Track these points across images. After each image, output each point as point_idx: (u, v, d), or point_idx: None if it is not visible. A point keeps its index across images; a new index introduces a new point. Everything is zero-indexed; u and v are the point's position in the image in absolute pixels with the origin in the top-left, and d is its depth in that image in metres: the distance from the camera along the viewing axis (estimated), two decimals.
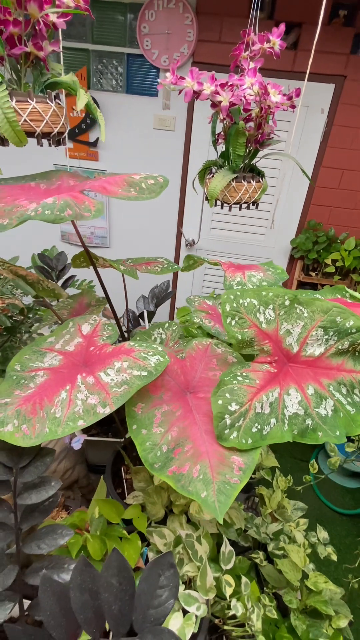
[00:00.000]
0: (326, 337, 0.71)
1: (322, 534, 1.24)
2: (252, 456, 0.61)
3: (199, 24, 2.08)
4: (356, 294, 0.82)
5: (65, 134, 0.94)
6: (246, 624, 0.83)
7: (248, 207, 1.21)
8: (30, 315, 1.31)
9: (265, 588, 1.05)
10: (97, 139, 2.39)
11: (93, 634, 0.54)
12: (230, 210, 1.21)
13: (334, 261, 2.41)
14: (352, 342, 0.70)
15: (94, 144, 2.41)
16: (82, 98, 0.83)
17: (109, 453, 1.24)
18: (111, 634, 0.53)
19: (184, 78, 1.01)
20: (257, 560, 1.04)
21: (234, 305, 0.68)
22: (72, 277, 1.13)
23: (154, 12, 2.07)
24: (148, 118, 2.35)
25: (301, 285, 2.55)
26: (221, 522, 0.54)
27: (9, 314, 1.32)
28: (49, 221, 0.62)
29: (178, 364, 0.72)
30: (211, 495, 0.56)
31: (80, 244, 2.73)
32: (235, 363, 0.75)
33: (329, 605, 1.00)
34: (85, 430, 1.36)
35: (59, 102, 0.91)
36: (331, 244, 2.43)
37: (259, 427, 0.63)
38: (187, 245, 2.60)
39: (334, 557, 1.17)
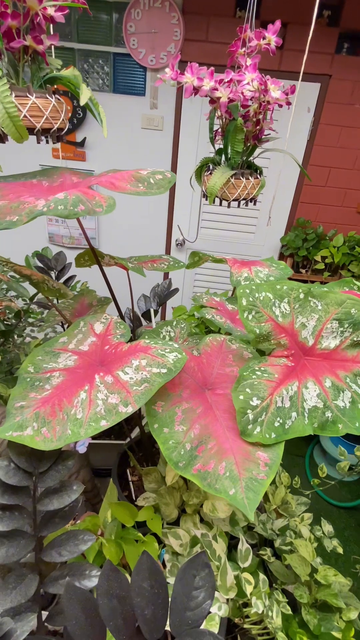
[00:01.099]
0: (341, 329, 0.71)
1: (327, 527, 1.25)
2: (276, 451, 0.61)
3: (186, 23, 2.08)
4: None
5: (65, 130, 0.92)
6: (265, 621, 0.82)
7: (246, 204, 1.21)
8: (22, 319, 1.28)
9: (274, 584, 1.05)
10: (85, 139, 2.36)
11: None
12: (229, 207, 1.21)
13: (323, 258, 2.44)
14: None
15: (81, 144, 2.38)
16: (85, 92, 0.81)
17: (112, 456, 1.22)
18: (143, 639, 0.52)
19: (183, 74, 1.01)
20: (265, 557, 1.04)
21: (250, 299, 0.68)
22: (73, 277, 1.11)
23: (140, 11, 2.05)
24: (135, 117, 2.33)
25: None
26: (252, 520, 0.53)
27: (3, 318, 1.29)
28: (62, 216, 0.60)
29: (194, 360, 0.71)
30: (239, 492, 0.55)
31: (67, 245, 2.70)
32: (251, 358, 0.75)
33: (339, 597, 1.01)
34: None
35: (58, 97, 0.89)
36: (320, 241, 2.46)
37: (281, 421, 0.63)
38: (177, 245, 2.59)
39: (340, 550, 1.18)
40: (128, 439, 1.21)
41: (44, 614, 0.67)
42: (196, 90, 1.03)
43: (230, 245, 2.59)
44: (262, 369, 0.67)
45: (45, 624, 0.66)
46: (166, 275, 2.71)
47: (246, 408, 0.62)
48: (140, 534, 0.81)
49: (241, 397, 0.63)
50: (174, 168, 2.44)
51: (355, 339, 0.71)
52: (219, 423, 0.63)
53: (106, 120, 0.89)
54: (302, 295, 0.72)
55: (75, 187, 0.72)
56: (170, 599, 0.49)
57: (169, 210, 2.54)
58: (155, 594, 0.51)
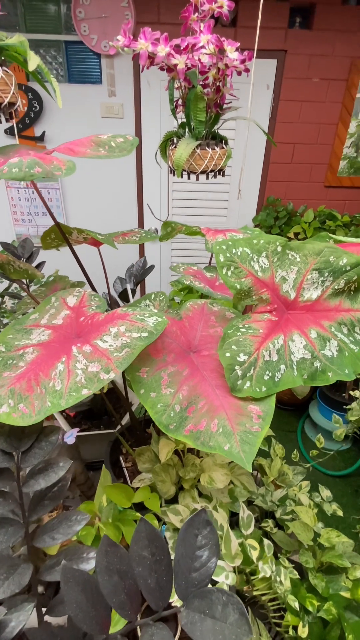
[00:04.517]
0: (322, 279, 0.70)
1: (325, 492, 1.26)
2: (268, 404, 0.59)
3: (136, 6, 2.04)
4: (340, 237, 0.81)
5: (18, 105, 0.87)
6: (274, 585, 0.80)
7: (215, 176, 1.18)
8: None
9: (279, 555, 1.04)
10: (44, 132, 2.29)
11: (129, 616, 0.49)
12: (197, 179, 1.18)
13: (296, 234, 2.46)
14: (348, 280, 0.69)
15: (41, 138, 2.31)
16: (34, 58, 0.77)
17: (103, 447, 1.18)
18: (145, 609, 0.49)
19: (136, 40, 0.97)
20: (267, 529, 1.03)
21: (227, 255, 0.66)
22: (42, 263, 1.06)
23: None
24: (94, 107, 2.27)
25: None
26: (250, 470, 0.51)
27: None
28: (18, 179, 0.56)
29: (176, 325, 0.68)
30: (235, 446, 0.53)
31: (36, 245, 2.61)
32: (235, 317, 0.73)
33: (344, 558, 1.01)
34: (76, 426, 1.29)
35: (6, 69, 0.84)
36: (291, 217, 2.48)
37: (270, 374, 0.61)
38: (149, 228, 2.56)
39: (340, 513, 1.19)
40: (119, 426, 1.17)
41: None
42: (152, 58, 1.00)
43: None
44: (247, 325, 0.65)
45: (46, 619, 0.62)
46: (141, 255, 2.66)
47: (234, 364, 0.60)
48: (138, 514, 0.78)
49: (227, 354, 0.61)
50: (138, 154, 2.40)
51: (336, 287, 0.70)
52: (207, 383, 0.61)
53: (64, 112, 0.85)
54: (279, 248, 0.70)
55: (27, 155, 0.68)
56: (173, 564, 0.46)
57: (137, 195, 2.50)
58: (157, 561, 0.48)
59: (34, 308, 1.19)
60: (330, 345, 0.68)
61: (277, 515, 1.08)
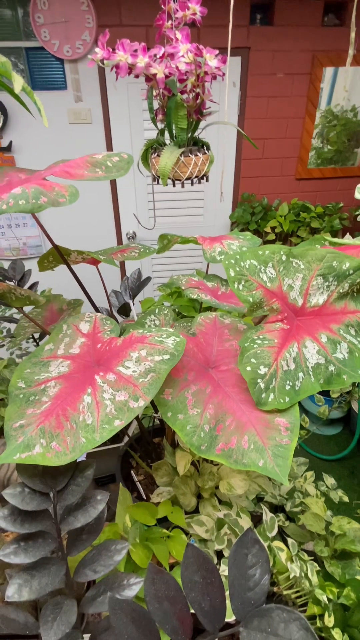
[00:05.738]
0: (326, 283, 0.72)
1: (329, 480, 1.30)
2: (293, 414, 0.60)
3: (97, 9, 2.00)
4: (336, 240, 0.84)
5: None
6: (300, 583, 0.83)
7: (199, 182, 1.19)
8: None
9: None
10: (11, 142, 2.22)
11: None
12: (183, 186, 1.18)
13: (273, 228, 2.50)
14: (351, 283, 0.72)
15: (8, 148, 2.23)
16: (18, 80, 0.74)
17: (110, 462, 1.18)
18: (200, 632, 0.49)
19: (115, 52, 0.96)
20: (280, 523, 1.06)
21: (237, 269, 0.66)
22: (35, 284, 1.03)
23: (46, 0, 1.94)
24: (61, 113, 2.22)
25: None
26: (287, 484, 0.52)
27: None
28: (26, 211, 0.54)
29: (192, 342, 0.68)
30: (268, 461, 0.54)
31: (11, 258, 2.54)
32: (247, 329, 0.74)
33: (357, 542, 1.05)
34: None
35: None
36: (267, 212, 2.51)
37: (290, 384, 0.63)
38: (129, 238, 2.53)
39: (346, 499, 1.24)
40: (126, 438, 1.17)
41: (86, 636, 0.63)
42: (131, 68, 0.99)
43: (181, 231, 2.57)
44: (261, 337, 0.66)
45: None
46: (122, 268, 2.64)
47: (256, 378, 0.61)
48: (165, 531, 0.78)
49: (248, 368, 0.61)
50: None
51: (341, 290, 0.72)
52: (231, 399, 0.61)
53: (30, 121, 0.83)
54: (284, 257, 0.71)
55: (27, 181, 0.66)
56: (228, 585, 0.47)
57: (113, 206, 2.47)
58: (208, 584, 0.49)
59: (32, 336, 1.16)
60: (341, 348, 0.70)
61: (287, 508, 1.10)
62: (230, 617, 0.53)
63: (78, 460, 0.96)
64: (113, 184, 2.42)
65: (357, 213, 2.50)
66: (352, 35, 1.45)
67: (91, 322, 0.68)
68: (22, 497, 0.49)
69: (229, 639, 0.68)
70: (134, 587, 0.60)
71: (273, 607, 0.44)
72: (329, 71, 2.27)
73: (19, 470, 0.51)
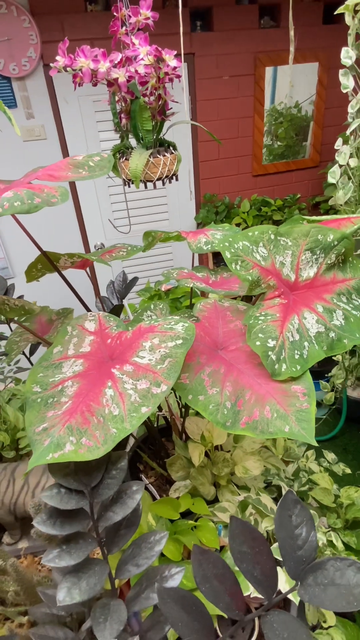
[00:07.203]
0: (314, 257, 0.75)
1: (330, 455, 1.34)
2: (307, 381, 0.63)
3: (39, 25, 2.00)
4: (314, 217, 0.88)
5: None
6: (325, 553, 0.85)
7: (170, 181, 1.21)
8: None
9: None
10: None
11: (237, 615, 0.50)
12: (155, 187, 1.20)
13: (237, 225, 2.56)
14: (337, 253, 0.76)
15: None
16: None
17: None
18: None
19: (75, 59, 0.96)
20: None
21: (232, 250, 0.68)
22: (21, 297, 1.01)
23: None
24: (13, 131, 2.19)
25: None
26: (314, 443, 0.54)
27: None
28: (23, 212, 0.54)
29: (198, 327, 0.69)
30: (294, 426, 0.56)
31: None
32: (248, 308, 0.76)
33: None
34: None
35: None
36: (230, 210, 2.58)
37: (299, 353, 0.65)
38: (97, 249, 2.52)
39: (349, 470, 1.28)
40: (129, 446, 1.15)
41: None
42: (93, 74, 1.00)
43: None
44: (263, 313, 0.68)
45: None
46: (93, 274, 2.60)
47: (267, 351, 0.63)
48: (192, 522, 0.78)
49: (258, 343, 0.63)
50: None
51: (328, 262, 0.76)
52: (246, 374, 0.63)
53: None
54: (272, 236, 0.74)
55: (14, 186, 0.65)
56: (279, 549, 0.48)
57: (77, 219, 2.45)
58: (257, 553, 0.49)
59: (22, 352, 1.13)
60: (337, 315, 0.73)
61: (295, 488, 1.13)
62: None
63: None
64: (75, 197, 2.40)
65: (314, 201, 2.62)
66: (292, 33, 1.53)
67: (95, 320, 0.67)
68: (60, 498, 0.48)
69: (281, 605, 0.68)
70: (176, 577, 0.59)
71: (325, 560, 0.45)
72: (269, 71, 2.38)
73: (50, 471, 0.50)
